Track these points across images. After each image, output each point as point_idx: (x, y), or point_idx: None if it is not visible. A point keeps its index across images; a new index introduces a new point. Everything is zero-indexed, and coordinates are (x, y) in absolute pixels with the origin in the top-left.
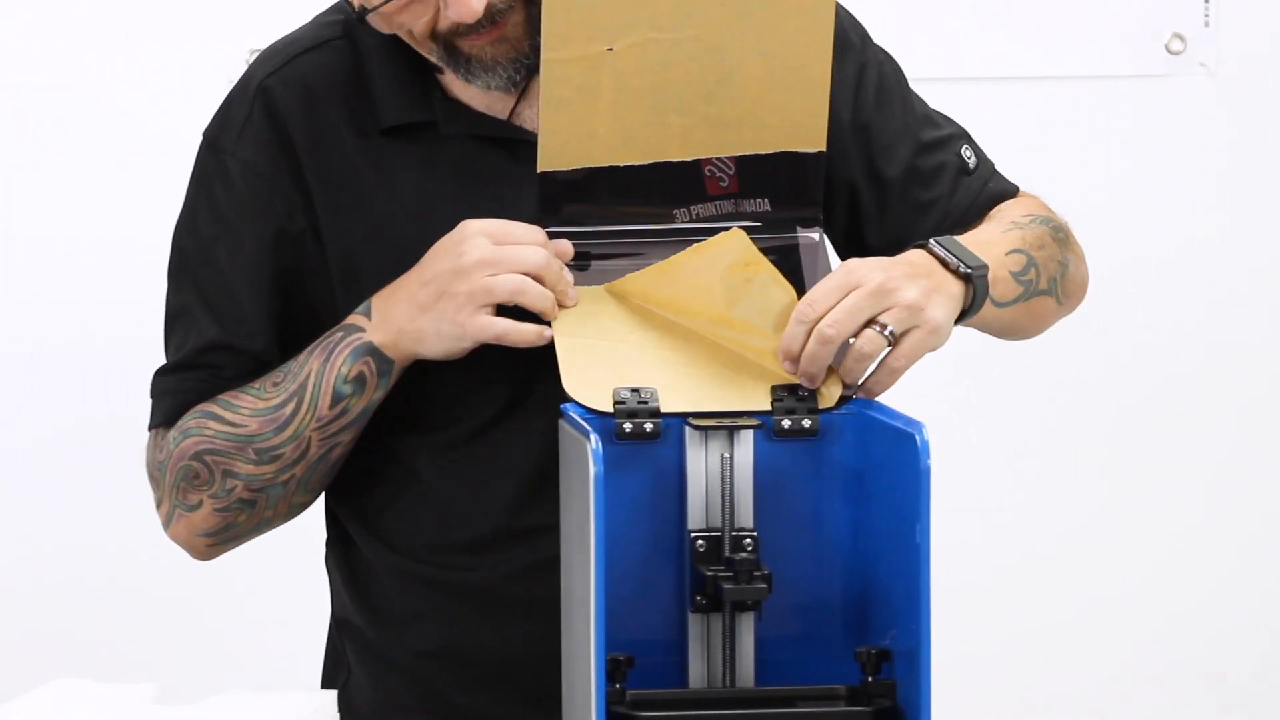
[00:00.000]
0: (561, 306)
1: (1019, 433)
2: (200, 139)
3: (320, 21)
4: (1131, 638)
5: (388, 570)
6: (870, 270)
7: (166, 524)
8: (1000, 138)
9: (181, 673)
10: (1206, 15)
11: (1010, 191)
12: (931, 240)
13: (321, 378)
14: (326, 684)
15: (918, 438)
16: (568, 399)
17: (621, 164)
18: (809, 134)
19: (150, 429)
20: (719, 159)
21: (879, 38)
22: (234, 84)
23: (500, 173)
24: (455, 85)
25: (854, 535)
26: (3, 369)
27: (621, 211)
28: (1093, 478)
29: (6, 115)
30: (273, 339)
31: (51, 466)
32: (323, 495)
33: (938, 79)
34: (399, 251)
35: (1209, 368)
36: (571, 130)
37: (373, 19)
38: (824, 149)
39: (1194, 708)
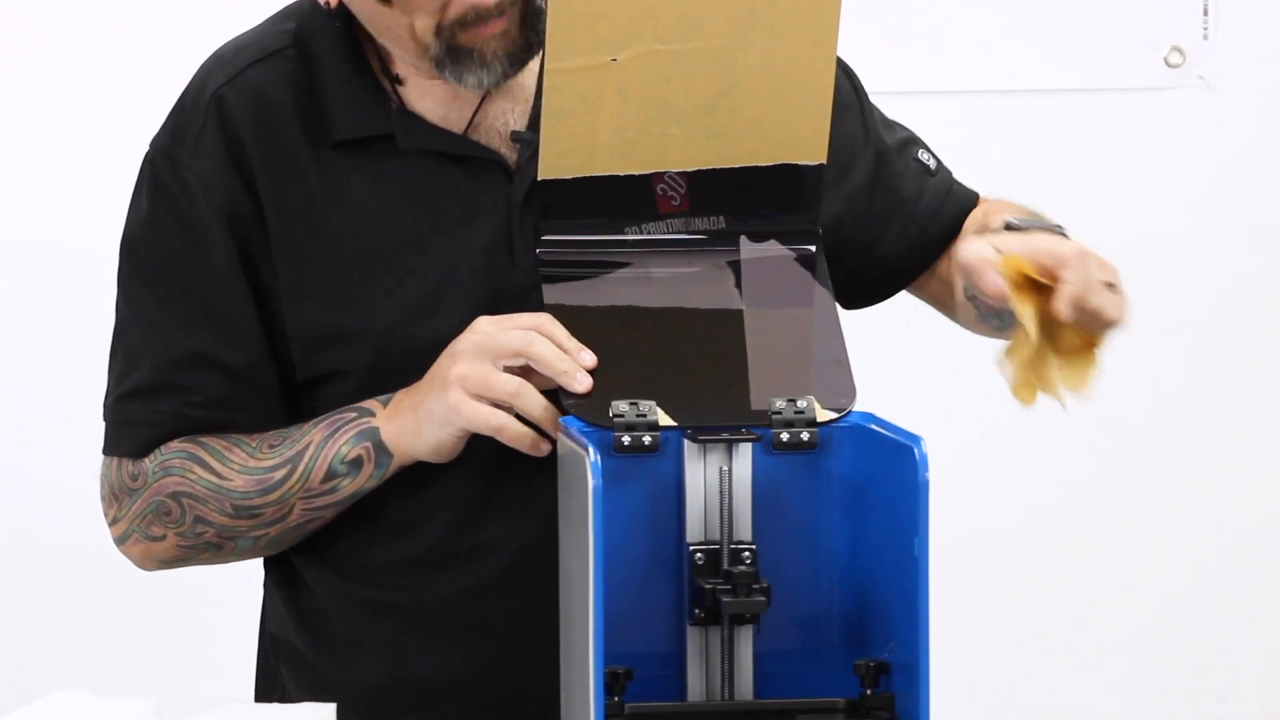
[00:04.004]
0: (571, 396)
1: (1018, 445)
2: (149, 148)
3: (271, 30)
4: (1132, 651)
5: (329, 593)
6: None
7: (120, 540)
8: (999, 150)
9: (180, 686)
10: (1205, 29)
11: (972, 197)
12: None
13: (320, 451)
14: (260, 699)
15: (916, 451)
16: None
17: (622, 174)
18: (810, 147)
19: (114, 455)
20: (671, 174)
21: (879, 51)
22: (184, 90)
23: (455, 188)
24: (412, 96)
25: (852, 548)
26: (4, 378)
27: (618, 222)
28: (1093, 491)
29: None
30: (263, 349)
31: (52, 480)
32: None
33: (938, 92)
34: (350, 268)
35: (1208, 379)
36: (573, 140)
37: (379, 13)
38: (824, 161)
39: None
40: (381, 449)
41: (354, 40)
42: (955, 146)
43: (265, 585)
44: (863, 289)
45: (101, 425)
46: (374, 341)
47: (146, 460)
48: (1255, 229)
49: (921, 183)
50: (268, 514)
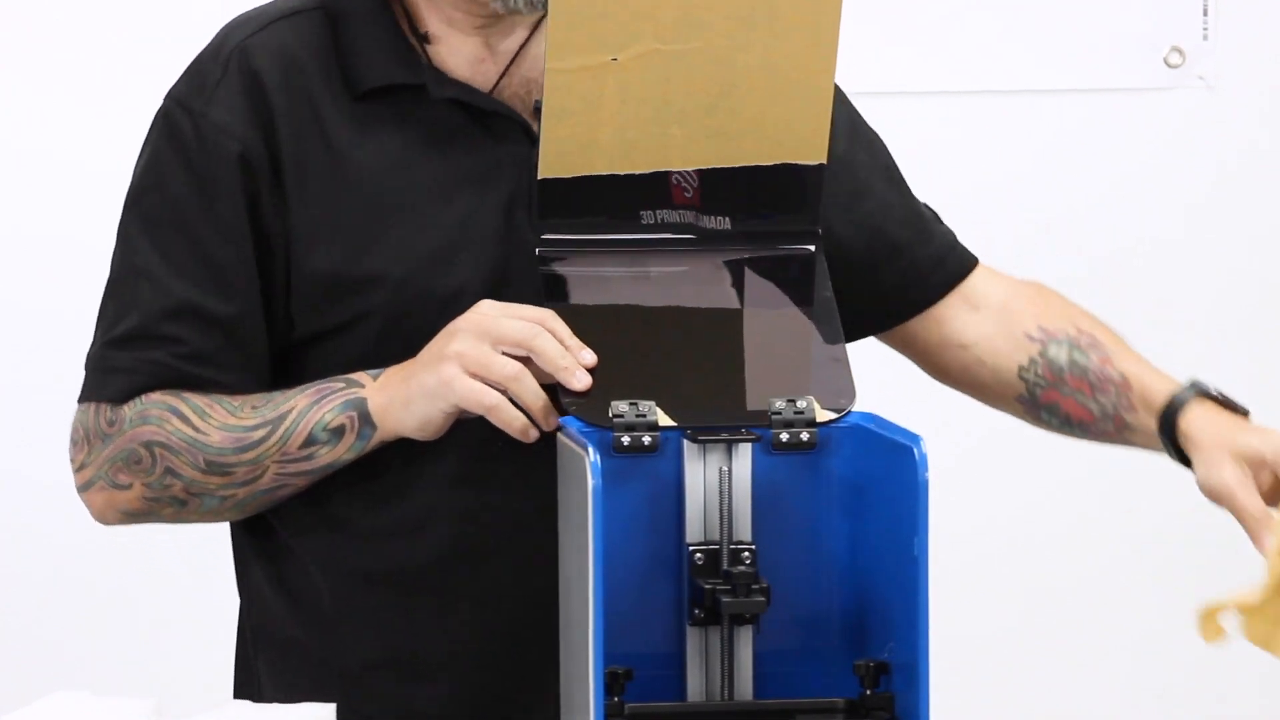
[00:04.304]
0: (570, 394)
1: (1018, 445)
2: (164, 99)
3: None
4: (1132, 651)
5: (319, 560)
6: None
7: (84, 487)
8: (999, 151)
9: (180, 686)
10: (1205, 29)
11: (972, 260)
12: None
13: (303, 416)
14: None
15: (916, 451)
16: None
17: (622, 173)
18: (810, 146)
19: (93, 400)
20: (682, 172)
21: (879, 51)
22: (204, 48)
23: (479, 145)
24: (442, 54)
25: (852, 548)
26: (3, 378)
27: (618, 222)
28: (1093, 490)
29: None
30: (255, 303)
31: (52, 480)
32: None
33: (938, 93)
34: (369, 216)
35: (1208, 379)
36: (573, 139)
37: None
38: (825, 161)
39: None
40: (366, 420)
41: (383, 2)
42: (955, 146)
43: (246, 574)
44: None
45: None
46: (389, 289)
47: (125, 407)
48: (1255, 229)
49: (931, 227)
50: (240, 473)
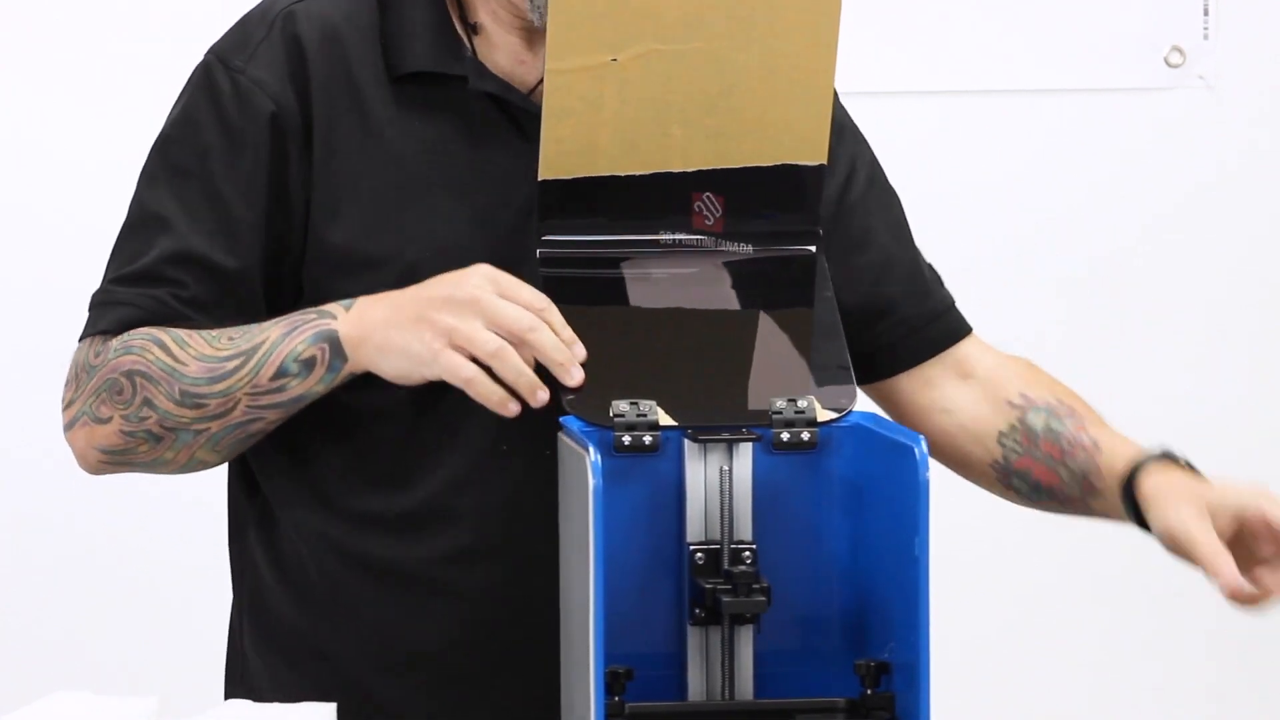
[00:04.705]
0: (567, 390)
1: None
2: (205, 54)
3: None
4: (1132, 651)
5: (315, 543)
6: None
7: (69, 426)
8: (999, 151)
9: (180, 686)
10: (1206, 28)
11: (965, 328)
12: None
13: (275, 347)
14: (229, 685)
15: (916, 450)
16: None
17: (623, 174)
18: (810, 147)
19: (89, 335)
20: (709, 196)
21: (879, 52)
22: (251, 10)
23: (509, 144)
24: (485, 47)
25: (853, 548)
26: (3, 378)
27: (618, 223)
28: None
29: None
30: (260, 259)
31: (52, 477)
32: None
33: (938, 92)
34: (390, 197)
35: (1208, 379)
36: (574, 140)
37: None
38: (824, 162)
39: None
40: (338, 352)
41: None
42: (955, 146)
43: (238, 544)
44: None
45: None
46: (398, 272)
47: (114, 340)
48: (1255, 229)
49: (930, 288)
50: (212, 405)
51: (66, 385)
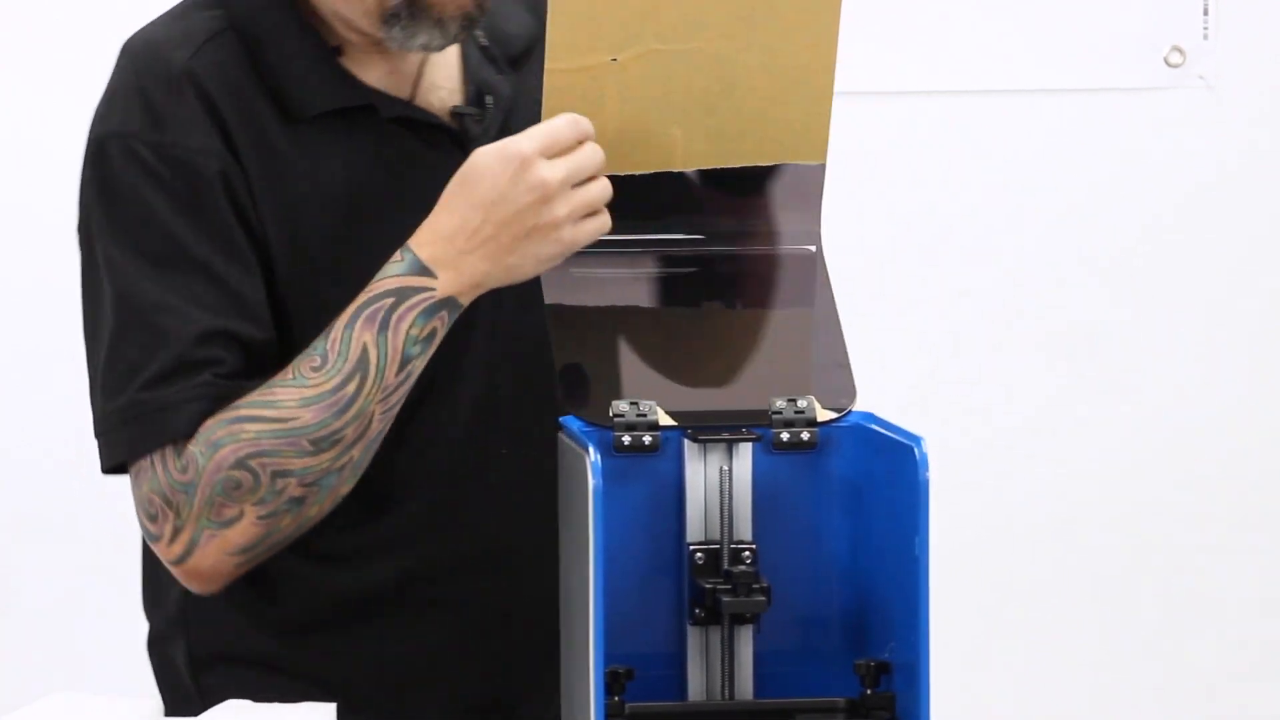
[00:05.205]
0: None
1: (1018, 445)
2: (109, 143)
3: (197, 19)
4: (1132, 651)
5: (300, 586)
6: None
7: (185, 554)
8: (999, 151)
9: None
10: (1206, 28)
11: None
12: None
13: (385, 347)
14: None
15: (916, 450)
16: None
17: (623, 174)
18: (810, 146)
19: (148, 454)
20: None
21: (879, 51)
22: (123, 79)
23: (417, 160)
24: (353, 68)
25: (853, 548)
26: (4, 378)
27: (618, 223)
28: (1094, 490)
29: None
30: (270, 319)
31: (52, 477)
32: None
33: (937, 92)
34: (328, 233)
35: (1208, 379)
36: None
37: None
38: (825, 161)
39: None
40: (456, 308)
41: (300, 17)
42: (955, 146)
43: (166, 601)
44: None
45: (90, 420)
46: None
47: (191, 447)
48: (1255, 229)
49: None
50: (349, 434)
51: (156, 520)
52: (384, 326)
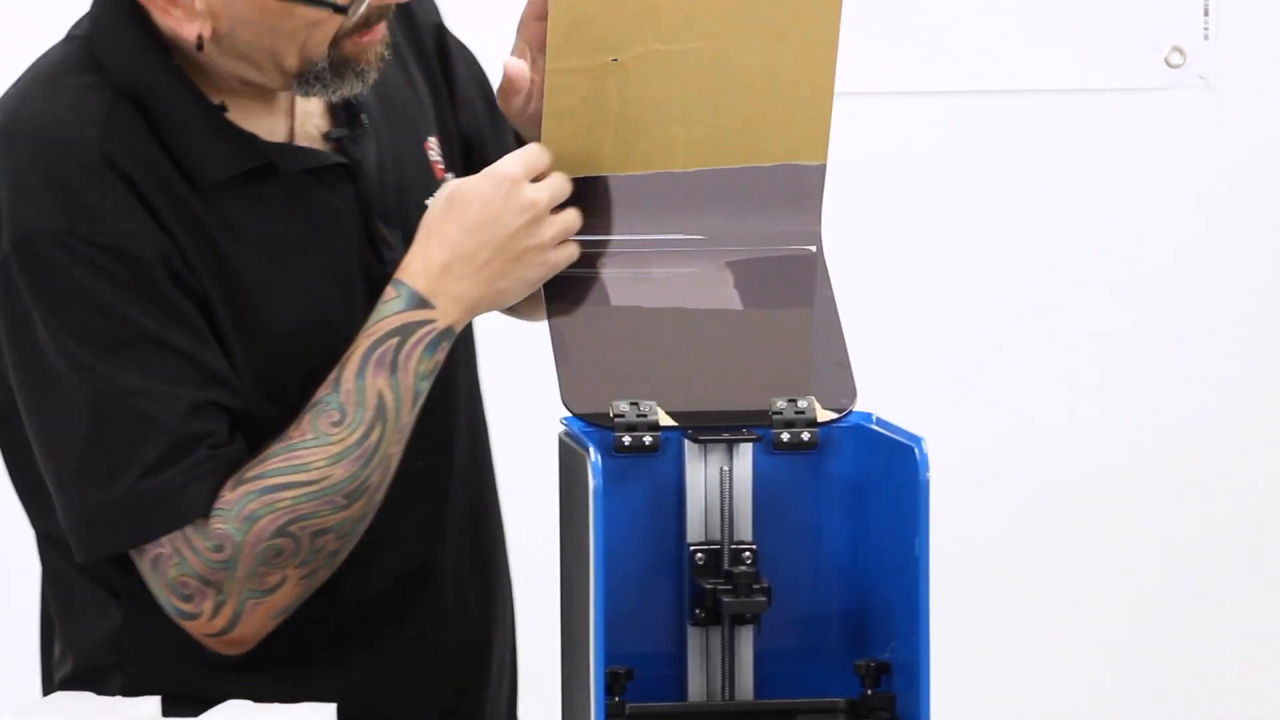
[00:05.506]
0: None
1: (1019, 445)
2: (37, 239)
3: (74, 83)
4: (1132, 651)
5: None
6: None
7: (229, 626)
8: (1000, 150)
9: None
10: (1206, 29)
11: None
12: None
13: (398, 389)
14: None
15: (917, 451)
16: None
17: (623, 174)
18: (811, 147)
19: (153, 539)
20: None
21: (879, 51)
22: (45, 167)
23: (318, 201)
24: (239, 117)
25: (853, 548)
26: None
27: (619, 223)
28: (1094, 491)
29: None
30: (238, 386)
31: None
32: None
33: (939, 92)
34: (255, 294)
35: (1209, 379)
36: (574, 140)
37: (279, 17)
38: (825, 162)
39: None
40: (452, 337)
41: (179, 73)
42: (955, 146)
43: (85, 638)
44: None
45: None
46: (295, 361)
47: (220, 525)
48: (1256, 229)
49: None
50: (374, 480)
51: (192, 601)
52: (394, 369)
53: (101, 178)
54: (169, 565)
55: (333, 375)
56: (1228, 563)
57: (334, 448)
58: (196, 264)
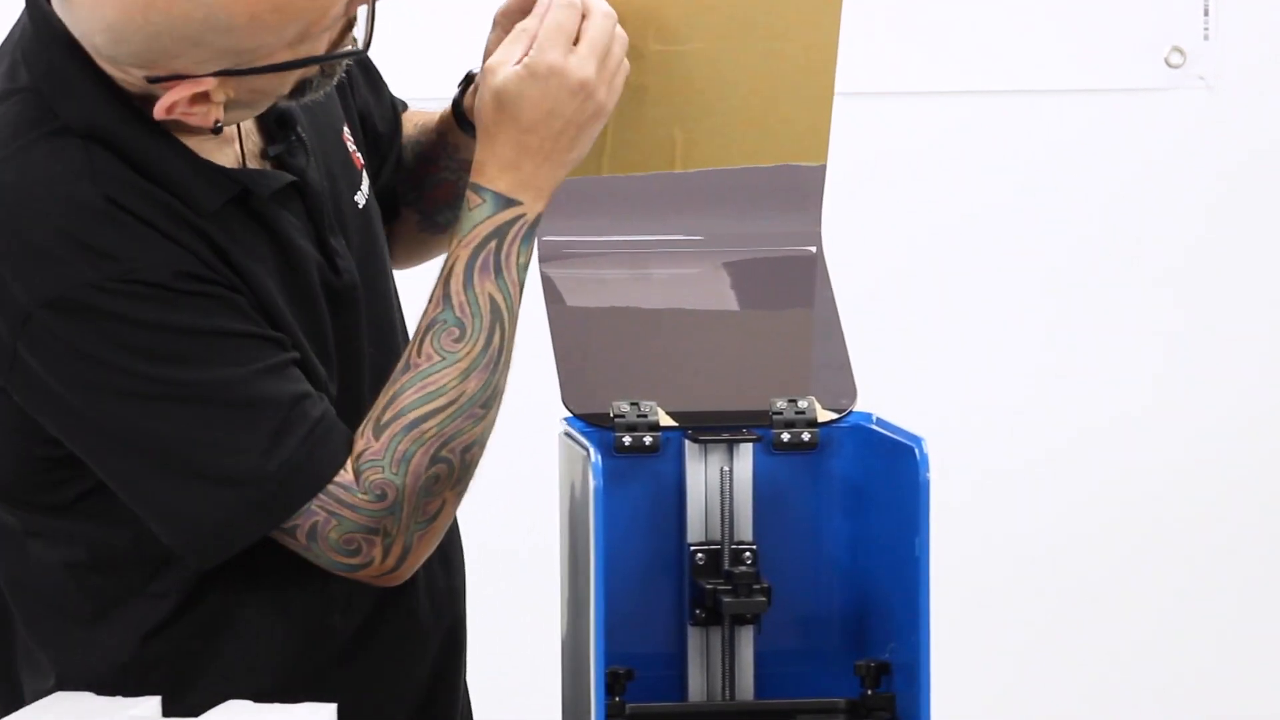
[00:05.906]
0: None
1: (1019, 445)
2: (71, 296)
3: (41, 141)
4: (1132, 651)
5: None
6: None
7: (399, 563)
8: (1000, 151)
9: None
10: (1206, 29)
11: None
12: None
13: (506, 289)
14: None
15: (917, 451)
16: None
17: (623, 174)
18: (811, 147)
19: (314, 494)
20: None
21: (879, 51)
22: (51, 226)
23: (280, 221)
24: (198, 147)
25: (853, 548)
26: None
27: (618, 223)
28: (1094, 491)
29: None
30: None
31: None
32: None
33: (939, 92)
34: (276, 319)
35: (1209, 379)
36: None
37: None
38: (825, 162)
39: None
40: (540, 221)
41: (137, 111)
42: (956, 147)
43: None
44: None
45: None
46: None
47: (375, 475)
48: (1256, 229)
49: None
50: (499, 381)
51: (362, 548)
52: (498, 270)
53: (111, 220)
54: (328, 529)
55: (438, 292)
56: (1227, 563)
57: (462, 363)
58: (217, 266)
